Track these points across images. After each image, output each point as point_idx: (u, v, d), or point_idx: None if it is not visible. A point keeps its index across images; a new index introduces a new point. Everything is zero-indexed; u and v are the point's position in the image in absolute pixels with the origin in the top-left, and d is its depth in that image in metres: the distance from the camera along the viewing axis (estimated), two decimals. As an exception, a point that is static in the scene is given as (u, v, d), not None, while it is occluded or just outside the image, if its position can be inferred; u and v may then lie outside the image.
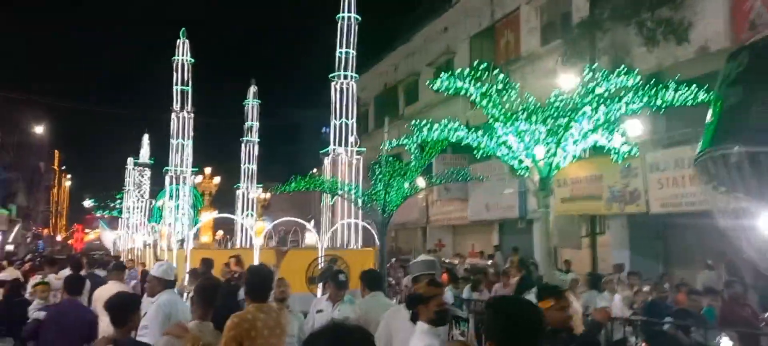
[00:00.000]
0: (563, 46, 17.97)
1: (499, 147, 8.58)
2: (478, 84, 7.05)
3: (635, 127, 10.85)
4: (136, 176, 29.17)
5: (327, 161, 13.41)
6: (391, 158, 9.64)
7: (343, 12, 13.93)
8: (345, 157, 13.23)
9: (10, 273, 12.58)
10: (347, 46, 13.73)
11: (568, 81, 15.00)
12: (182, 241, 12.47)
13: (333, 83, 13.62)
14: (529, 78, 19.38)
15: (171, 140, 16.49)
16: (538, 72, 18.84)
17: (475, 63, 7.17)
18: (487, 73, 7.17)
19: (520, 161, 7.77)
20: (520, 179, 19.28)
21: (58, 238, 64.71)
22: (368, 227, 12.89)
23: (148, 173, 28.99)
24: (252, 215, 19.46)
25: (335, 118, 13.46)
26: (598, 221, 16.42)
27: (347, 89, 13.54)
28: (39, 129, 36.47)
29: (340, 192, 10.68)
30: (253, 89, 21.24)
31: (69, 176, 71.62)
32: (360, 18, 14.12)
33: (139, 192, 28.68)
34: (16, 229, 36.20)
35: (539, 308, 2.99)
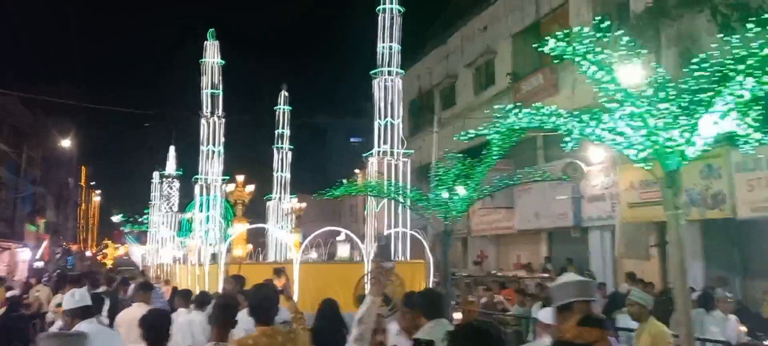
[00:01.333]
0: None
1: (607, 135, 7.17)
2: (598, 49, 5.62)
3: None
4: (164, 188, 28.33)
5: (371, 165, 12.16)
6: (460, 155, 8.31)
7: (385, 3, 12.75)
8: (392, 160, 11.95)
9: (43, 293, 11.88)
10: (390, 40, 12.53)
11: (631, 75, 13.54)
12: (215, 255, 11.35)
13: (375, 81, 12.44)
14: (580, 77, 17.98)
15: (201, 147, 15.44)
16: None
17: (596, 21, 5.67)
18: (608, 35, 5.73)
19: (640, 151, 6.35)
20: (574, 184, 17.99)
21: (88, 253, 64.53)
22: (418, 236, 11.64)
23: (176, 184, 28.14)
24: (284, 227, 18.33)
25: (379, 119, 12.25)
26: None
27: (392, 86, 12.30)
28: (66, 143, 35.81)
29: (397, 197, 9.38)
30: (283, 94, 20.20)
31: (98, 192, 71.76)
32: (403, 10, 12.94)
33: (168, 205, 27.81)
34: (44, 245, 35.63)
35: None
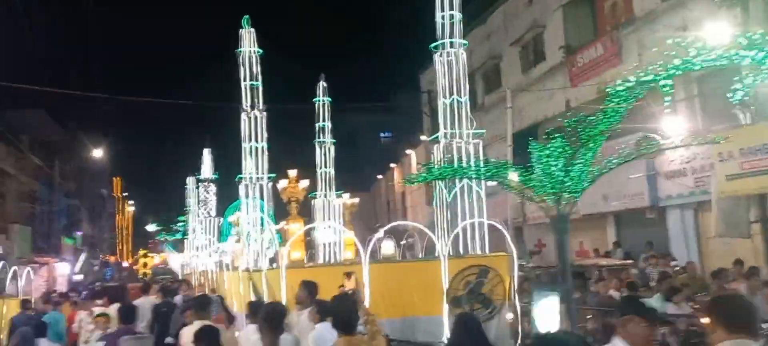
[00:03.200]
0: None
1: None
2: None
3: None
4: (201, 193, 27.39)
5: (437, 149, 10.82)
6: (573, 121, 6.92)
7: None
8: (461, 142, 10.61)
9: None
10: (450, 9, 11.18)
11: (718, 33, 12.06)
12: (273, 259, 10.16)
13: (436, 56, 11.10)
14: (648, 42, 16.43)
15: (243, 144, 14.26)
16: (661, 32, 15.86)
17: None
18: None
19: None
20: (649, 160, 16.46)
21: (124, 264, 64.44)
22: (498, 226, 10.29)
23: (213, 188, 27.18)
24: (329, 227, 17.11)
25: (444, 97, 10.89)
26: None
27: (455, 60, 10.95)
28: (98, 153, 35.24)
29: (498, 178, 7.99)
30: (322, 85, 18.96)
31: (131, 202, 71.72)
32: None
33: (205, 209, 26.88)
34: (82, 258, 35.10)
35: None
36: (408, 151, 36.31)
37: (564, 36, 20.15)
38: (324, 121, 18.61)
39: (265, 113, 14.57)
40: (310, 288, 7.07)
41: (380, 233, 12.65)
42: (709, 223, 15.58)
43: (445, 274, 9.59)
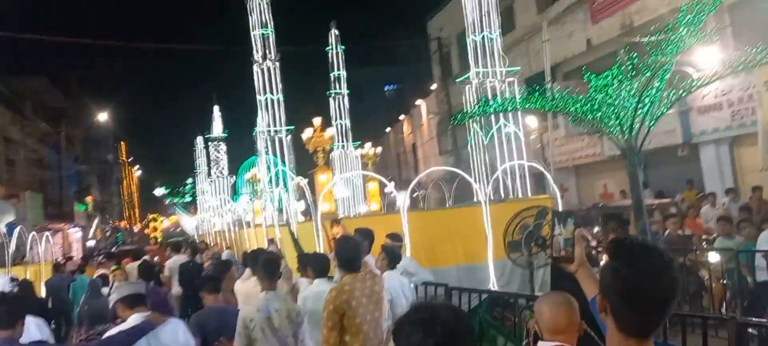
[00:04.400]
0: None
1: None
2: None
3: None
4: (212, 153, 26.85)
5: (469, 89, 10.21)
6: (651, 41, 6.29)
7: None
8: (493, 81, 9.99)
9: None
10: (477, -62, 10.44)
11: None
12: (305, 212, 9.67)
13: (465, -11, 10.38)
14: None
15: (257, 97, 13.66)
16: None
17: None
18: None
19: None
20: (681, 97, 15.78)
21: (135, 229, 64.46)
22: (540, 168, 9.77)
23: (223, 147, 26.64)
24: (348, 178, 16.58)
25: (473, 33, 10.23)
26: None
27: (487, -7, 10.25)
28: (102, 116, 34.66)
29: (555, 107, 7.36)
30: (334, 33, 18.26)
31: (137, 166, 71.34)
32: None
33: (217, 169, 26.38)
34: (95, 223, 34.87)
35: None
36: (417, 102, 35.57)
37: (585, -30, 19.23)
38: (338, 70, 17.97)
39: (278, 63, 13.94)
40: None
41: (390, 186, 12.19)
42: (747, 157, 15.05)
43: (488, 219, 9.14)
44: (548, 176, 9.61)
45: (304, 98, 17.82)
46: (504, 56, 10.09)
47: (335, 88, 17.79)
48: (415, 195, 16.82)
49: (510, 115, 9.72)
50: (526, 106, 6.85)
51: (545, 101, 6.70)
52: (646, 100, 6.14)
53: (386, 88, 56.42)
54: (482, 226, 9.26)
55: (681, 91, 6.52)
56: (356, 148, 17.93)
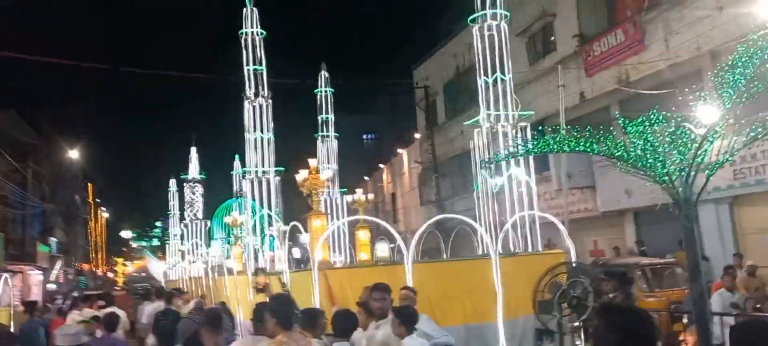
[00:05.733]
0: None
1: None
2: None
3: None
4: (187, 194, 25.78)
5: (478, 135, 9.62)
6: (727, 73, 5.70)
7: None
8: (506, 125, 9.43)
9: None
10: (488, -22, 10.03)
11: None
12: (300, 261, 8.85)
13: (475, 28, 9.94)
14: (676, 24, 15.50)
15: (246, 135, 12.96)
16: (691, 13, 14.94)
17: None
18: None
19: None
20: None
21: (99, 272, 62.12)
22: (552, 220, 9.14)
23: (199, 189, 25.60)
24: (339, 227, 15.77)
25: (486, 76, 9.72)
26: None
27: (497, 33, 9.79)
28: (73, 154, 33.37)
29: (612, 152, 6.64)
30: (324, 74, 17.73)
31: (104, 208, 69.31)
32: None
33: (191, 211, 25.27)
34: (58, 266, 33.15)
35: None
36: (399, 150, 35.11)
37: (578, 24, 19.14)
38: (327, 113, 17.39)
39: (270, 101, 13.28)
40: (386, 291, 5.80)
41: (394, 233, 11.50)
42: (748, 218, 14.70)
43: (498, 274, 8.42)
44: (562, 228, 8.98)
45: (288, 140, 17.14)
46: (517, 100, 9.53)
47: (323, 131, 17.16)
48: (392, 246, 16.09)
49: (521, 162, 9.12)
50: (578, 148, 6.19)
51: (593, 145, 6.07)
52: (706, 147, 5.57)
53: (365, 136, 56.14)
54: (491, 281, 8.53)
55: (748, 140, 5.94)
56: (343, 194, 17.22)
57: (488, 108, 9.48)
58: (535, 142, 6.81)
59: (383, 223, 8.27)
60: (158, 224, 54.19)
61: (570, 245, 9.07)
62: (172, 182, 29.60)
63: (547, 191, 20.17)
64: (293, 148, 16.97)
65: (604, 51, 17.65)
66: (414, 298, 6.15)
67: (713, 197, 14.81)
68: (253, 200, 12.57)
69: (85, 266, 55.81)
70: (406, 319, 4.89)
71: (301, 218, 9.86)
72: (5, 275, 12.70)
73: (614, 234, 18.95)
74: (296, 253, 9.53)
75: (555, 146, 6.14)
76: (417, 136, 30.84)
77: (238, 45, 13.35)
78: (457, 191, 26.62)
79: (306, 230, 9.51)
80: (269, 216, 12.13)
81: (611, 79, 17.59)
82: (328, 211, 15.74)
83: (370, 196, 14.44)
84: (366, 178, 44.53)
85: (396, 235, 8.03)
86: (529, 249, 9.14)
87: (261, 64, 13.33)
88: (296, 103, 36.44)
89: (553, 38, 20.61)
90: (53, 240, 33.72)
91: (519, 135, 9.34)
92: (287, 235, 8.84)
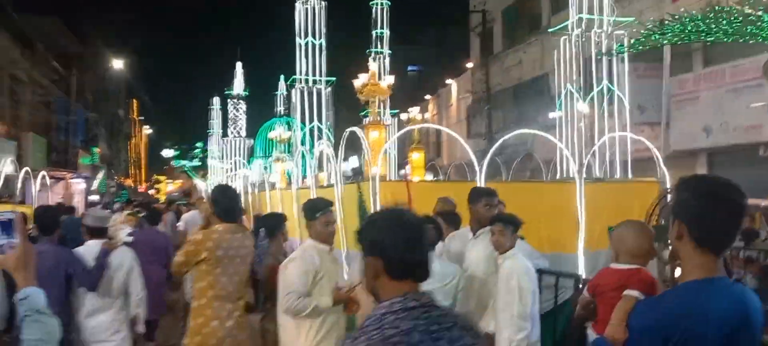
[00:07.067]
0: None
1: None
2: None
3: None
4: (230, 111, 25.09)
5: (565, 43, 8.39)
6: None
7: None
8: (600, 32, 8.16)
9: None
10: None
11: None
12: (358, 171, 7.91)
13: None
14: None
15: (297, 40, 11.90)
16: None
17: None
18: None
19: None
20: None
21: (139, 188, 63.04)
22: (646, 143, 7.99)
23: (243, 106, 24.86)
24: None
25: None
26: None
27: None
28: (117, 64, 32.91)
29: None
30: (379, -11, 16.44)
31: (147, 126, 69.79)
32: None
33: (235, 129, 24.63)
34: (100, 175, 33.22)
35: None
36: (448, 81, 33.67)
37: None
38: (382, 28, 16.19)
39: (324, 3, 12.14)
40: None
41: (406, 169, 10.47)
42: None
43: (581, 201, 7.41)
44: (657, 154, 7.83)
45: (339, 51, 16.04)
46: (613, 6, 8.22)
47: (377, 47, 16.02)
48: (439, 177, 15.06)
49: (615, 76, 7.91)
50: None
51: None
52: None
53: (409, 69, 54.63)
54: (573, 208, 7.55)
55: None
56: (394, 116, 16.18)
57: (580, 11, 8.17)
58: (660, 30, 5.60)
59: (452, 132, 7.20)
60: (199, 144, 54.06)
61: (666, 173, 7.94)
62: (216, 100, 29.00)
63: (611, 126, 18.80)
64: (344, 61, 15.93)
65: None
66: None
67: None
68: (303, 110, 11.61)
69: (127, 181, 56.53)
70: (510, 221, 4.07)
71: (358, 128, 8.86)
72: (43, 171, 12.18)
73: (676, 177, 17.58)
74: (352, 164, 8.62)
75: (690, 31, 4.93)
76: (469, 65, 29.34)
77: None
78: (509, 124, 25.36)
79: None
80: (319, 129, 11.18)
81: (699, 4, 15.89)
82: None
83: (426, 115, 13.40)
84: (410, 109, 43.42)
85: (467, 148, 6.99)
86: (616, 176, 8.01)
87: (317, -36, 12.14)
88: (349, 12, 34.72)
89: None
90: (95, 150, 33.70)
91: (614, 45, 8.07)
92: (343, 143, 7.88)
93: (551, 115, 22.01)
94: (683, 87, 15.90)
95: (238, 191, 10.21)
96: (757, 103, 13.50)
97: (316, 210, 4.19)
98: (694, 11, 15.58)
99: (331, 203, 4.42)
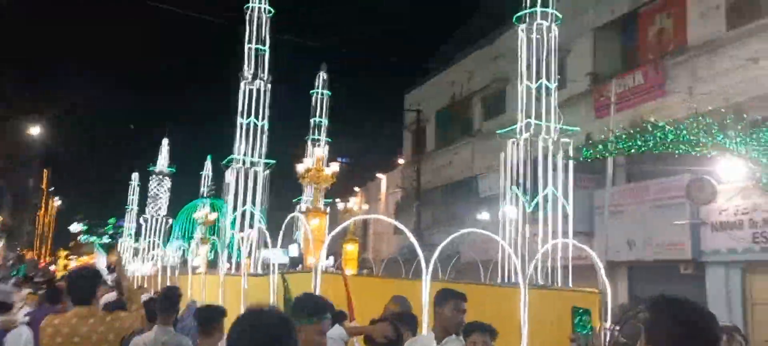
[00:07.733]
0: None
1: None
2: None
3: None
4: (153, 188, 23.96)
5: (512, 146, 8.44)
6: None
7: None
8: (547, 138, 8.26)
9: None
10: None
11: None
12: (298, 261, 7.43)
13: (521, 28, 8.79)
14: (703, 72, 14.74)
15: (238, 119, 11.55)
16: (721, 62, 14.19)
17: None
18: None
19: None
20: (697, 207, 14.56)
21: (40, 263, 58.73)
22: (586, 249, 7.96)
23: (167, 183, 23.83)
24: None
25: (529, 81, 8.57)
26: None
27: (545, 36, 8.68)
28: (35, 131, 31.21)
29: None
30: (322, 76, 16.49)
31: (57, 198, 66.10)
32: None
33: (154, 207, 23.45)
34: (-2, 246, 30.66)
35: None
36: (379, 175, 33.81)
37: (592, 62, 18.35)
38: (321, 117, 16.09)
39: (269, 86, 11.92)
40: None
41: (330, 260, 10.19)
42: (760, 287, 13.78)
43: (525, 307, 7.20)
44: (599, 264, 7.79)
45: (277, 134, 15.78)
46: (560, 114, 8.39)
47: (315, 135, 15.85)
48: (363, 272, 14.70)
49: (559, 182, 7.95)
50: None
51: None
52: None
53: (339, 159, 54.91)
54: (515, 313, 7.33)
55: None
56: (328, 205, 15.81)
57: (527, 117, 8.28)
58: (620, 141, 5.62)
59: (399, 224, 6.94)
60: (111, 220, 51.48)
61: (607, 284, 7.90)
62: (135, 176, 27.78)
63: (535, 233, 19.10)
64: (282, 145, 15.60)
65: (620, 92, 16.77)
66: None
67: (725, 260, 13.90)
68: (236, 192, 11.09)
69: (29, 254, 52.64)
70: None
71: (301, 213, 8.45)
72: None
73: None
74: (291, 252, 8.14)
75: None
76: (401, 161, 29.66)
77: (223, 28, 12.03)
78: (438, 221, 25.43)
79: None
80: (252, 214, 10.67)
81: (623, 122, 16.72)
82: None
83: (365, 206, 13.23)
84: (337, 200, 43.13)
85: (416, 245, 6.71)
86: (558, 283, 7.91)
87: (264, 45, 11.98)
88: (290, 97, 34.58)
89: (564, 74, 19.79)
90: (-2, 219, 31.26)
91: (560, 152, 8.15)
92: (283, 229, 7.42)
93: (479, 216, 22.42)
94: (626, 196, 16.35)
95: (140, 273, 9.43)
96: (679, 222, 14.05)
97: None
98: (622, 125, 16.35)
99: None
